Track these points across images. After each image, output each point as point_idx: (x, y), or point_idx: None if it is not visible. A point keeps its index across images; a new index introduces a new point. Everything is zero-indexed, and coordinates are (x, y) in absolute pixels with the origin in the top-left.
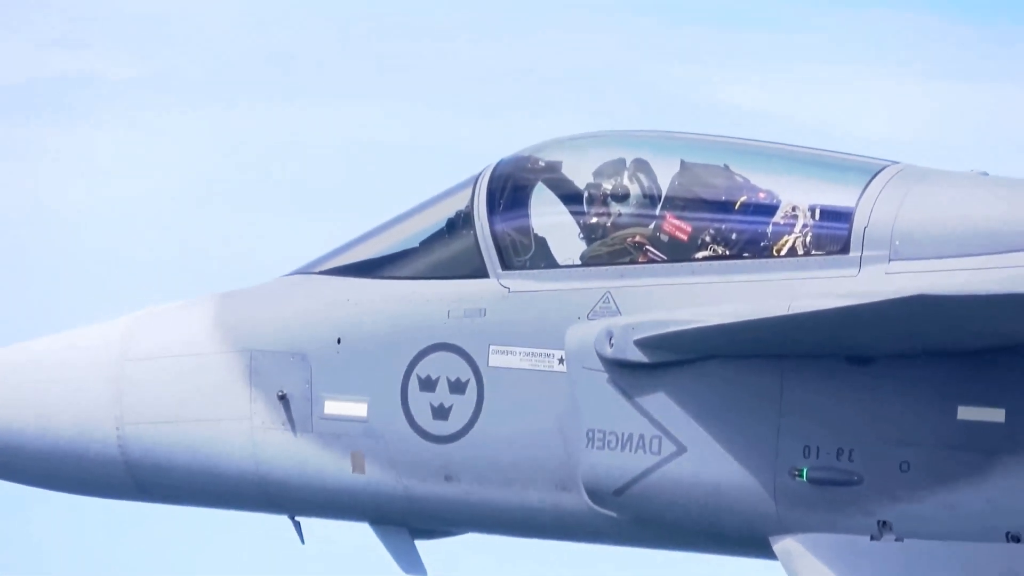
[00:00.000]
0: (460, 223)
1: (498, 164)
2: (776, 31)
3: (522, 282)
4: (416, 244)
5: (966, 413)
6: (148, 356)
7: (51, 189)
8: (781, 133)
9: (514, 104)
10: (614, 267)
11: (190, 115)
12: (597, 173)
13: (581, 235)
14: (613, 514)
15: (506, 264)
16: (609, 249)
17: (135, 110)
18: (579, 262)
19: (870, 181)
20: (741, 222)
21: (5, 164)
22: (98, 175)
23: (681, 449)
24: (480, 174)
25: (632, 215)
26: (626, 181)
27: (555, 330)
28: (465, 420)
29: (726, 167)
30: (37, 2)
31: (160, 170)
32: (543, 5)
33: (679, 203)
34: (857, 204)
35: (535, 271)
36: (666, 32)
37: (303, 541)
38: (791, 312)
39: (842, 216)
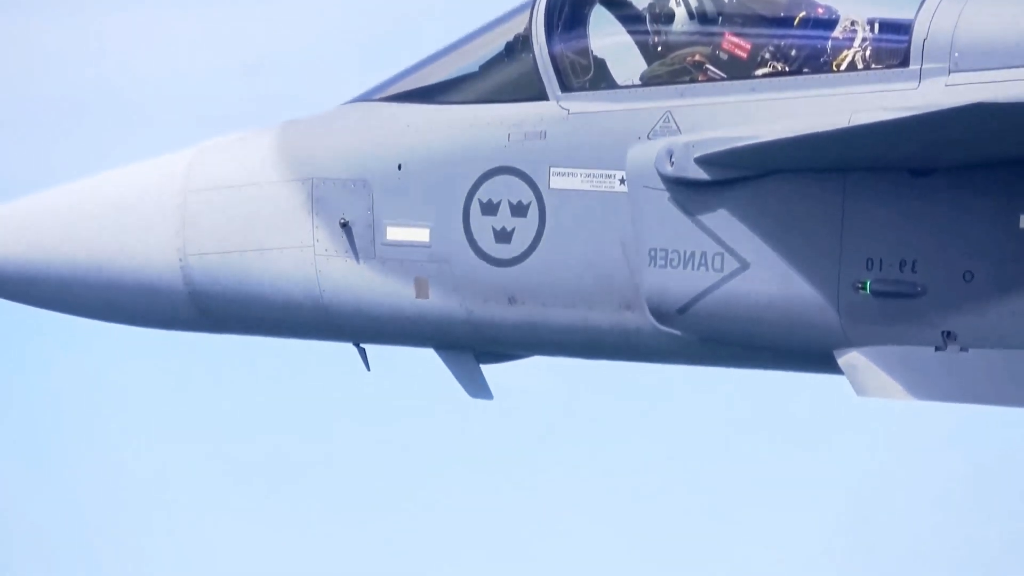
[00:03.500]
0: (518, 46)
1: None
2: None
3: (582, 104)
4: (475, 68)
5: None
6: (210, 186)
7: None
8: None
9: None
10: (674, 86)
11: None
12: None
13: (640, 55)
14: (677, 332)
15: (565, 86)
16: (669, 68)
17: None
18: (639, 82)
19: None
20: (800, 38)
21: None
22: None
23: (744, 265)
24: None
25: (691, 34)
26: None
27: (616, 151)
28: (527, 243)
29: None
30: None
31: None
32: None
33: (738, 20)
34: (916, 16)
35: (594, 92)
36: None
37: (369, 368)
38: (851, 125)
39: (901, 29)
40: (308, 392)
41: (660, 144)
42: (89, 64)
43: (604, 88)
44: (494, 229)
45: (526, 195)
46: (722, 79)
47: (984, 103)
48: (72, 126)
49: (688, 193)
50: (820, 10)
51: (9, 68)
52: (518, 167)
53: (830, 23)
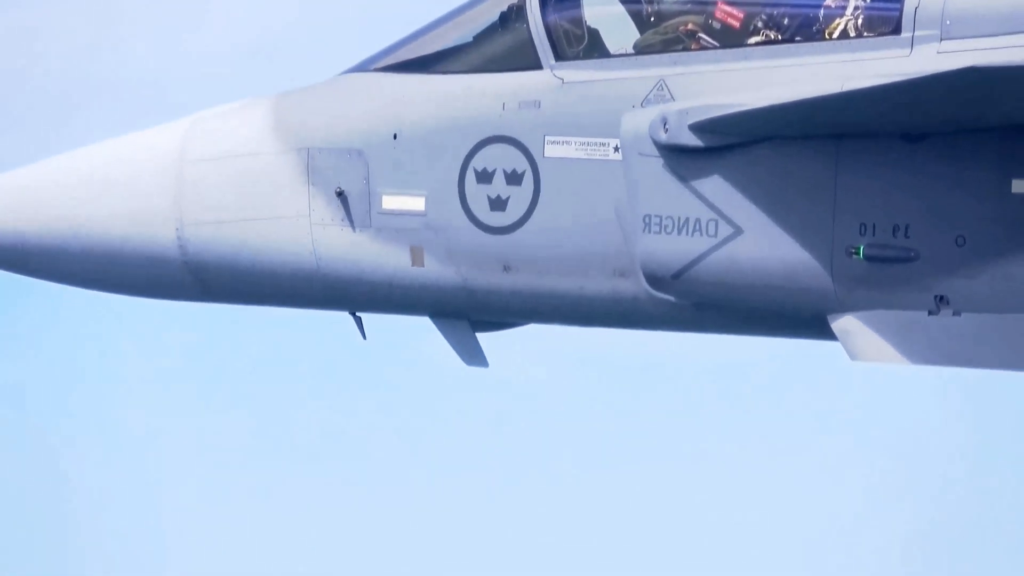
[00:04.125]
0: (513, 16)
1: None
2: None
3: (576, 72)
4: (470, 38)
5: (1021, 186)
6: (207, 157)
7: None
8: None
9: None
10: (667, 55)
11: None
12: None
13: (634, 24)
14: (672, 299)
15: (559, 55)
16: (662, 37)
17: None
18: (632, 51)
19: None
20: (793, 6)
21: None
22: None
23: (738, 231)
24: None
25: (684, 2)
26: None
27: (610, 119)
28: (522, 211)
29: None
30: None
31: None
32: None
33: None
34: None
35: (588, 61)
36: None
37: (364, 336)
38: (844, 90)
39: None
40: (303, 360)
41: (654, 112)
42: (87, 47)
43: (598, 57)
44: (489, 197)
45: (521, 163)
46: (715, 47)
47: (977, 67)
48: (70, 108)
49: (682, 160)
50: None
51: (8, 55)
52: (513, 136)
53: None
